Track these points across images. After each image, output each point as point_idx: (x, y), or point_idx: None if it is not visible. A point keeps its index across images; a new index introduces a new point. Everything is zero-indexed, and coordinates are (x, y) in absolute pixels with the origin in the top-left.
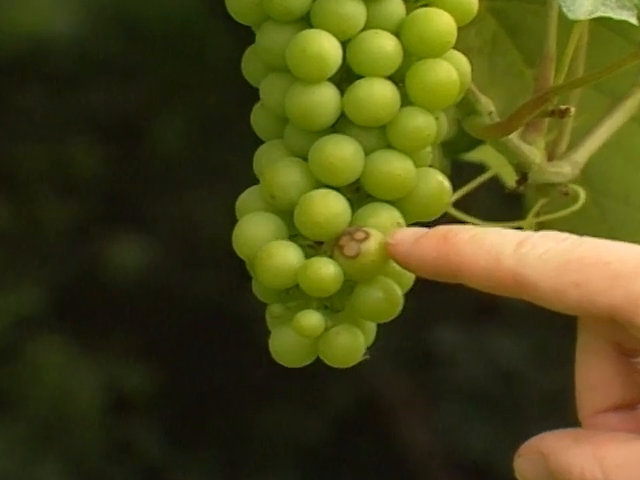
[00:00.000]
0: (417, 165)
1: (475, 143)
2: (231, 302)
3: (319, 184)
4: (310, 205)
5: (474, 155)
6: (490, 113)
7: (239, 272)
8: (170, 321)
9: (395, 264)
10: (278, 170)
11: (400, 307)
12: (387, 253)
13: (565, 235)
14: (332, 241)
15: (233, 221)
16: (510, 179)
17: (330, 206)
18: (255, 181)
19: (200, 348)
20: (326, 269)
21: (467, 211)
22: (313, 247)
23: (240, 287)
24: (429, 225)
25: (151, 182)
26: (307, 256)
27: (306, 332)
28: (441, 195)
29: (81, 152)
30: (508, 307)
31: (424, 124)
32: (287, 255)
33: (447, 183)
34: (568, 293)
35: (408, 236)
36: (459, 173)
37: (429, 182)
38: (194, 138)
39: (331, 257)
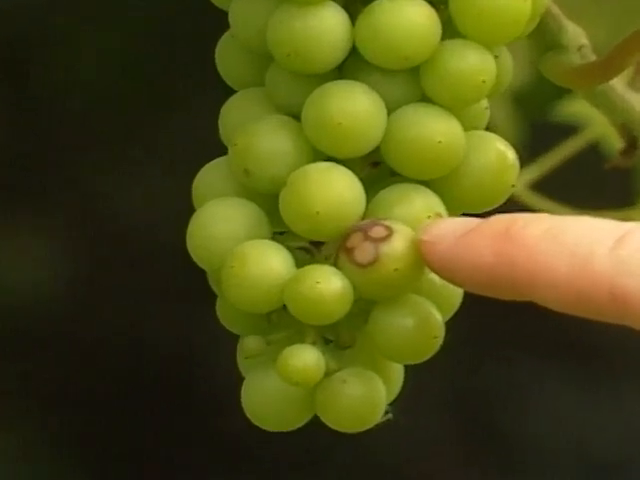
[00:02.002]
0: (467, 128)
1: (559, 94)
2: (185, 333)
3: (318, 155)
4: (304, 187)
5: (559, 112)
6: (581, 48)
7: (197, 287)
8: (92, 360)
9: (433, 274)
10: (256, 133)
11: (440, 341)
12: (419, 257)
13: None
14: (337, 241)
15: (189, 209)
16: (613, 147)
17: (334, 188)
18: (222, 149)
19: (139, 401)
20: (327, 283)
21: (548, 197)
22: (308, 250)
23: (199, 310)
24: (485, 216)
25: (56, 146)
26: (299, 263)
27: (297, 378)
28: (503, 172)
29: None
30: (626, 346)
31: (477, 65)
32: (269, 262)
33: (513, 155)
34: None
35: (450, 230)
36: (537, 140)
37: (485, 153)
38: (122, 77)
39: (335, 265)
